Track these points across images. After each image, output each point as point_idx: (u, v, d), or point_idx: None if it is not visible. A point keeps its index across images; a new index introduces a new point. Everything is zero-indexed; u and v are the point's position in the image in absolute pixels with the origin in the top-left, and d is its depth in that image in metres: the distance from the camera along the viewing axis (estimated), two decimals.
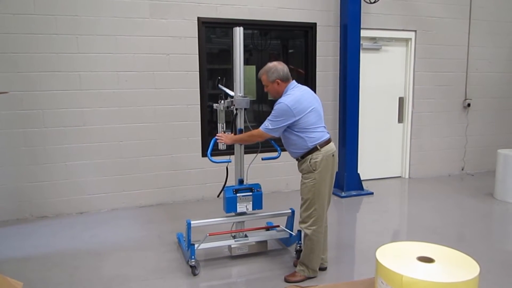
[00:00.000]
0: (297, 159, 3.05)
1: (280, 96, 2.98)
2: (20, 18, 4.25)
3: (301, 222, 3.01)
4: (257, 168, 3.62)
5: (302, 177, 3.00)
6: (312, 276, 3.07)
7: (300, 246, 3.38)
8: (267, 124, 2.93)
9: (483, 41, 6.30)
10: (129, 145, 4.78)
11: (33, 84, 4.37)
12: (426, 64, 6.07)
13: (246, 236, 3.47)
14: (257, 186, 3.35)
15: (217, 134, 3.27)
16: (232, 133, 3.34)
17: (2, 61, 4.25)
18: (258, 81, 5.56)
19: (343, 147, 5.43)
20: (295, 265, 3.23)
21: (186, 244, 3.30)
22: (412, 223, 4.55)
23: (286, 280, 3.04)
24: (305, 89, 3.01)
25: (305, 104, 2.88)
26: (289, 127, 2.91)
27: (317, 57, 5.49)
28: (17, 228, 4.23)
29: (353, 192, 5.39)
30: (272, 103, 3.24)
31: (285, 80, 2.98)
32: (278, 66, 2.98)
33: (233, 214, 3.36)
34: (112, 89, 4.64)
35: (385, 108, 6.09)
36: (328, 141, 2.97)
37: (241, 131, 3.34)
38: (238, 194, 3.28)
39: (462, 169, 6.56)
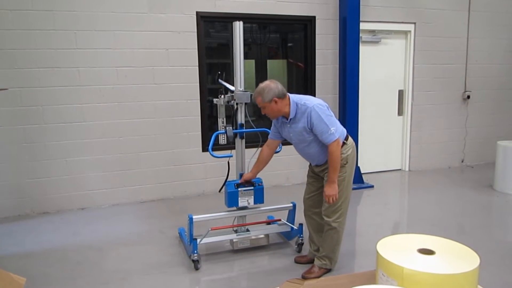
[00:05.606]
0: (324, 163, 2.90)
1: (287, 112, 2.79)
2: (18, 14, 4.23)
3: (326, 216, 2.91)
4: None
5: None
6: (331, 268, 3.04)
7: (302, 240, 3.40)
8: (328, 131, 2.68)
9: (482, 32, 6.28)
10: (129, 141, 4.78)
11: (32, 80, 4.36)
12: (426, 56, 6.05)
13: (247, 230, 3.48)
14: (259, 180, 3.35)
15: (327, 195, 2.82)
16: (232, 127, 3.32)
17: (0, 58, 4.23)
18: (258, 75, 5.61)
19: None
20: (296, 262, 3.23)
21: (188, 239, 3.31)
22: (413, 216, 4.56)
23: (305, 278, 2.89)
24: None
25: None
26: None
27: (316, 51, 5.47)
28: (19, 224, 4.25)
29: (353, 185, 5.36)
30: None
31: (283, 97, 2.77)
32: (271, 85, 2.77)
33: (235, 208, 3.37)
34: (111, 85, 4.63)
35: (384, 101, 6.08)
36: (347, 134, 2.94)
37: (241, 126, 3.34)
38: (239, 189, 3.28)
39: (462, 161, 6.57)
